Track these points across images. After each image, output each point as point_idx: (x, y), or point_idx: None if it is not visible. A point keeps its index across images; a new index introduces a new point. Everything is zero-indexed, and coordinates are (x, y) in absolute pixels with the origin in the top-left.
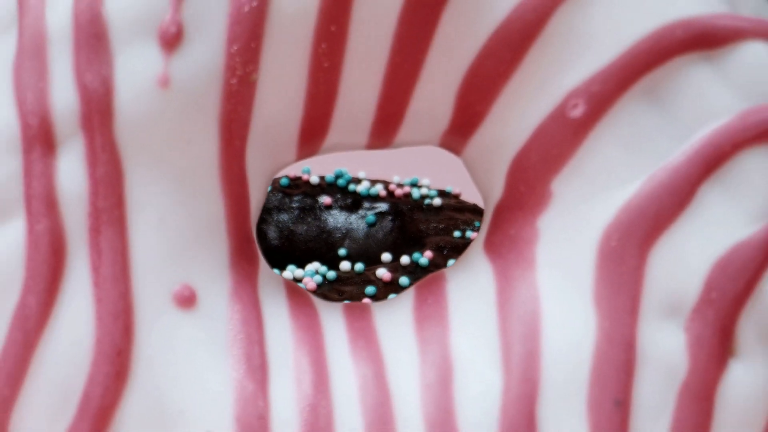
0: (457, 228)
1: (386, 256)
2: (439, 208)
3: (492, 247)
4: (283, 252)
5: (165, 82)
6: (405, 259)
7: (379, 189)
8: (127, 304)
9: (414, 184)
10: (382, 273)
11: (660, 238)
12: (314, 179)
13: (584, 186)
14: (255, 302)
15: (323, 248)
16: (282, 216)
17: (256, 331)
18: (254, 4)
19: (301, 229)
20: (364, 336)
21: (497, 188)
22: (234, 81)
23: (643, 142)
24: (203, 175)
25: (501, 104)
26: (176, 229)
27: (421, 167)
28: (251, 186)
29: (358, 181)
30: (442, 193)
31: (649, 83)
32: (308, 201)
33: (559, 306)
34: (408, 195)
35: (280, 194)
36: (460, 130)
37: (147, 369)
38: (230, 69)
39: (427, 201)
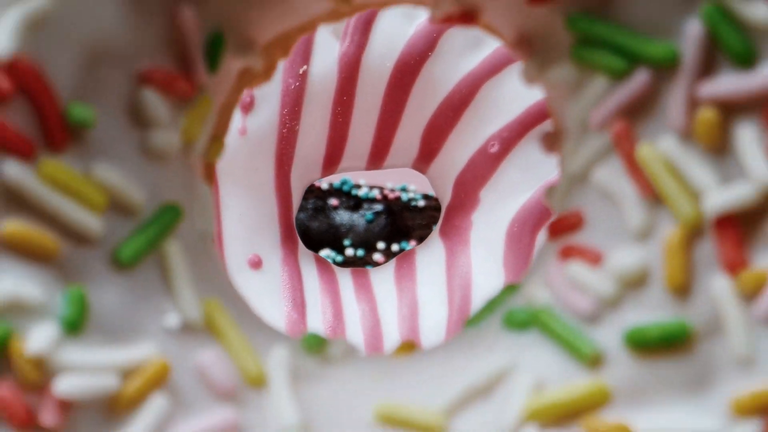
0: (436, 223)
1: (381, 245)
2: (423, 208)
3: (444, 233)
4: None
5: (243, 132)
6: (395, 247)
7: (375, 193)
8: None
9: (403, 189)
10: (378, 257)
11: (543, 226)
12: (324, 185)
13: (499, 194)
14: (297, 266)
15: (332, 239)
16: (299, 215)
17: (298, 283)
18: (297, 84)
19: (314, 224)
20: (364, 287)
21: (447, 195)
22: (284, 130)
23: (533, 168)
24: (265, 189)
25: (448, 144)
26: (249, 221)
27: (410, 176)
28: (293, 195)
29: (359, 186)
30: (425, 197)
31: (538, 131)
32: (320, 203)
33: (482, 269)
34: (399, 198)
35: None
36: (424, 159)
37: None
38: (282, 123)
39: (413, 203)
